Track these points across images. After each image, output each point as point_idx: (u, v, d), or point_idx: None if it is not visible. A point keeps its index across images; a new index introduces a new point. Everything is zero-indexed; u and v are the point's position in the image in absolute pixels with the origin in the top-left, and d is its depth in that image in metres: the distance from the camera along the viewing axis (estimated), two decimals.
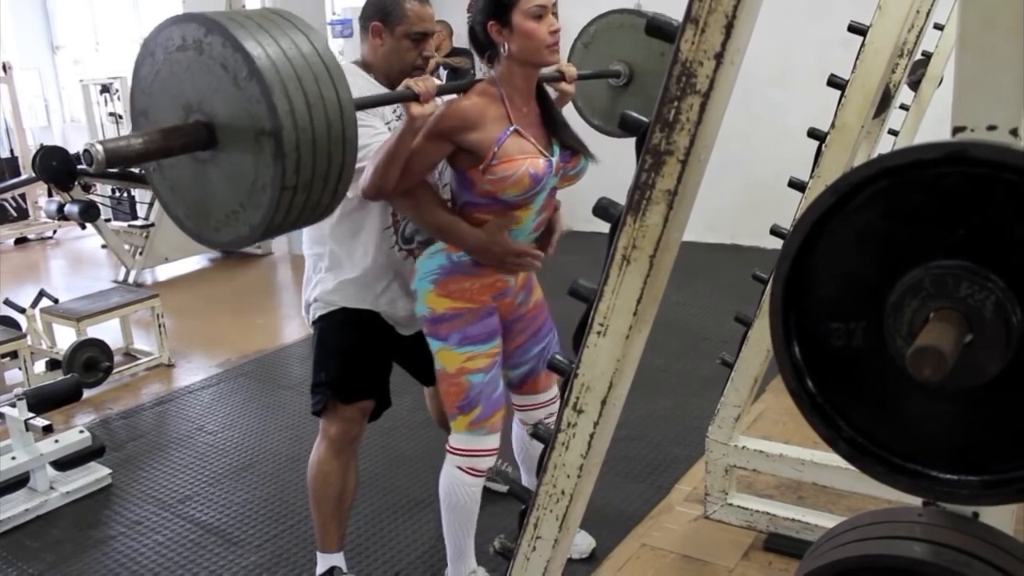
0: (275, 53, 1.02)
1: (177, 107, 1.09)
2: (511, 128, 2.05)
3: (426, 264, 2.18)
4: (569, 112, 2.34)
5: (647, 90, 2.64)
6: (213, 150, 1.08)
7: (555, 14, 2.06)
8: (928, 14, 2.78)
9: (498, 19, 2.02)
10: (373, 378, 2.37)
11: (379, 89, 2.16)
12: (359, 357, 2.34)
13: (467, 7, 7.05)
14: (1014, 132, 0.98)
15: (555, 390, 2.47)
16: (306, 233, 2.35)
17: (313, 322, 2.38)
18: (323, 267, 2.31)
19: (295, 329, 5.17)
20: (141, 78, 1.14)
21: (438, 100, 2.00)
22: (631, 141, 1.45)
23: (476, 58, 7.73)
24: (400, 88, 1.89)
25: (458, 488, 2.19)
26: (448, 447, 2.23)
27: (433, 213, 2.12)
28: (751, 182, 5.85)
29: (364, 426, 2.43)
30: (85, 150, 1.07)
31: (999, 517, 1.07)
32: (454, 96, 2.15)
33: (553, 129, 2.16)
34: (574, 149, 2.19)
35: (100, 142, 1.07)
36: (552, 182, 2.14)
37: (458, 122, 2.01)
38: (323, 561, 2.48)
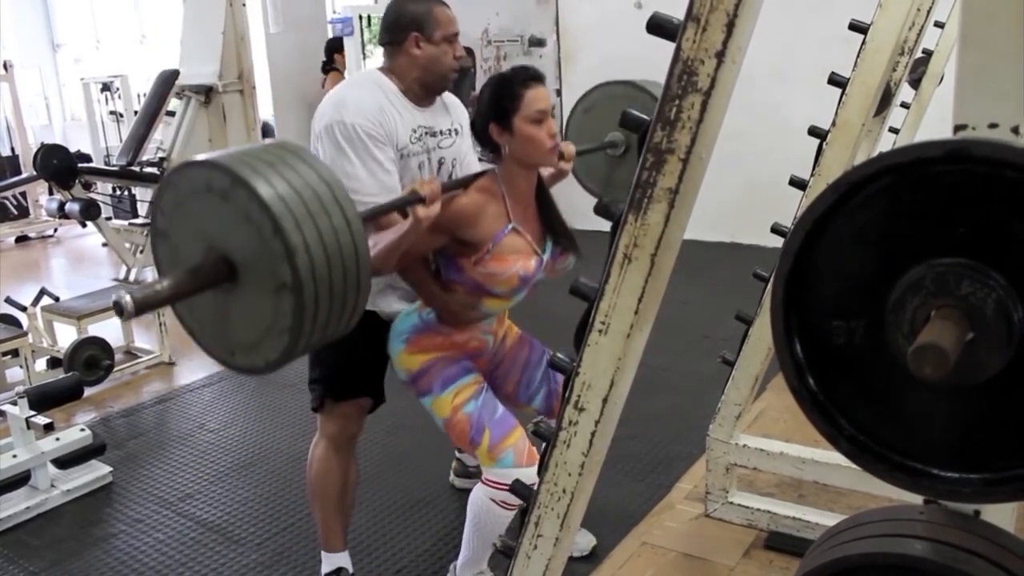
0: (299, 211, 1.04)
1: (199, 239, 1.11)
2: (510, 226, 2.13)
3: (400, 324, 2.26)
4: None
5: None
6: (233, 284, 1.10)
7: (553, 116, 2.11)
8: (929, 12, 2.78)
9: (499, 122, 2.08)
10: (367, 376, 2.37)
11: (406, 103, 2.19)
12: (354, 355, 2.33)
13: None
14: (1015, 130, 0.97)
15: None
16: None
17: None
18: None
19: None
20: (163, 203, 1.16)
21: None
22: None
23: (477, 56, 7.62)
24: (406, 192, 1.94)
25: (487, 516, 2.16)
26: (483, 479, 2.18)
27: (412, 270, 2.19)
28: (751, 180, 5.84)
29: (363, 424, 2.43)
30: (116, 301, 1.08)
31: (1000, 515, 1.07)
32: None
33: (549, 226, 2.23)
34: (565, 247, 2.24)
35: (128, 292, 1.09)
36: (539, 277, 2.22)
37: (457, 219, 2.08)
38: (328, 561, 2.48)
